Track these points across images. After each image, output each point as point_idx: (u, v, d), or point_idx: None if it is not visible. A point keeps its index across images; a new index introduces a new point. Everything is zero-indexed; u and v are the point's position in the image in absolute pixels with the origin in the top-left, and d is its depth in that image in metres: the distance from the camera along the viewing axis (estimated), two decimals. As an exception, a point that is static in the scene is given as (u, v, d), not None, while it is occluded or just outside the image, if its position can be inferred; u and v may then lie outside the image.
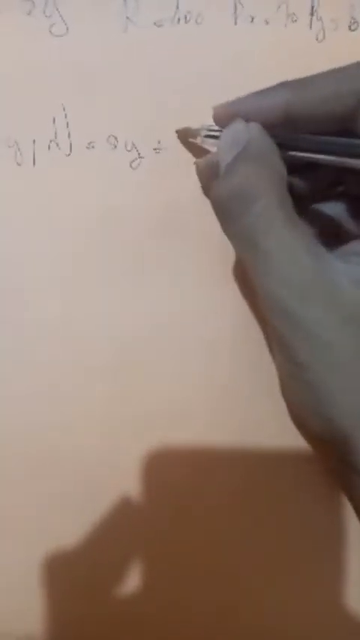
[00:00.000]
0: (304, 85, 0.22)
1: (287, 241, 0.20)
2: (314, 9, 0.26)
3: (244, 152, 0.21)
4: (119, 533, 0.27)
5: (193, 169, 0.27)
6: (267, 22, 0.26)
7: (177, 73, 0.27)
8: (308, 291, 0.20)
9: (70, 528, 0.27)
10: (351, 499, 0.23)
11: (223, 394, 0.27)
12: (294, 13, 0.26)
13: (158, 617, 0.27)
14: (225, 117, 0.23)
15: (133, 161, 0.27)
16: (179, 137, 0.26)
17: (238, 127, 0.22)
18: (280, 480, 0.27)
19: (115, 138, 0.27)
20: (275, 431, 0.27)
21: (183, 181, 0.27)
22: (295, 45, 0.26)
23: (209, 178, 0.23)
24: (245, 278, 0.27)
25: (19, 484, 0.27)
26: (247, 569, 0.27)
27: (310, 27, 0.26)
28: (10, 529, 0.27)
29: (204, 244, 0.27)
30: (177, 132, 0.26)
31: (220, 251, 0.27)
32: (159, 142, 0.27)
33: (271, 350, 0.25)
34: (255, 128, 0.22)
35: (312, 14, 0.26)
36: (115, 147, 0.27)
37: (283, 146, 0.22)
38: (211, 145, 0.24)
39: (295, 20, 0.26)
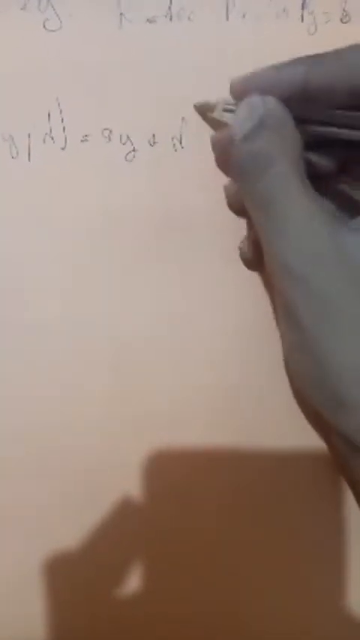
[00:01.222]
0: (324, 58, 0.22)
1: (303, 205, 0.21)
2: (305, 3, 0.26)
3: (262, 121, 0.22)
4: (120, 534, 0.27)
5: (188, 162, 0.27)
6: (259, 18, 0.27)
7: (170, 68, 0.27)
8: (321, 257, 0.20)
9: (71, 530, 0.27)
10: (351, 483, 0.23)
11: (224, 394, 0.27)
12: (285, 8, 0.27)
13: (159, 618, 0.26)
14: (242, 90, 0.23)
15: (128, 154, 0.27)
16: (197, 111, 0.26)
17: (254, 99, 0.22)
18: (280, 481, 0.27)
19: (110, 131, 0.27)
20: (276, 431, 0.27)
21: (178, 174, 0.27)
22: (287, 39, 0.27)
23: (225, 148, 0.23)
24: (246, 270, 0.27)
25: (19, 485, 0.27)
26: (248, 569, 0.27)
27: (302, 20, 0.27)
28: (10, 531, 0.27)
29: (202, 237, 0.27)
30: (195, 106, 0.26)
31: (219, 242, 0.27)
32: (153, 135, 0.27)
33: (278, 324, 0.25)
34: (271, 100, 0.22)
35: (303, 8, 0.26)
36: (110, 140, 0.27)
37: (298, 121, 0.22)
38: (228, 119, 0.24)
39: (287, 14, 0.27)
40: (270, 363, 0.26)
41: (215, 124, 0.26)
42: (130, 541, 0.27)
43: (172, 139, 0.27)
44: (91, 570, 0.26)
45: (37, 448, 0.27)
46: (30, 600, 0.26)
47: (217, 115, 0.25)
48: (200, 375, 0.27)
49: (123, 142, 0.27)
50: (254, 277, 0.27)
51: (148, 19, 0.27)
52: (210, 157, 0.27)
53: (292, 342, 0.22)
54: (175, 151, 0.27)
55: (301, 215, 0.21)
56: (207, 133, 0.27)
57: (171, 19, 0.27)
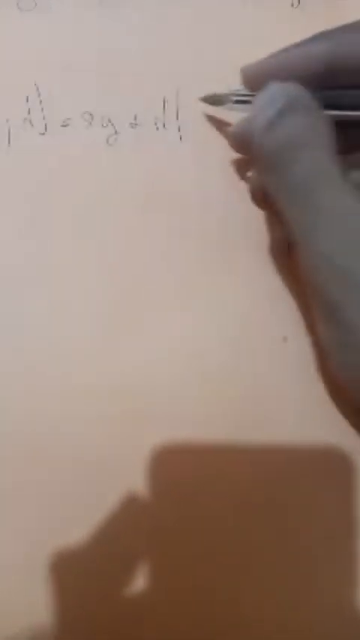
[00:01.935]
0: (349, 31, 0.21)
1: (338, 192, 0.19)
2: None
3: (287, 105, 0.20)
4: (124, 530, 0.26)
5: (171, 142, 0.26)
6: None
7: (150, 46, 0.26)
8: None
9: (75, 526, 0.26)
10: None
11: (229, 388, 0.26)
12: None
13: (163, 613, 0.26)
14: (257, 77, 0.22)
15: (110, 137, 0.26)
16: (203, 101, 0.25)
17: (274, 86, 0.21)
18: (287, 476, 0.26)
19: (90, 114, 0.26)
20: (283, 426, 0.26)
21: (161, 155, 0.26)
22: (270, 11, 0.26)
23: (245, 142, 0.22)
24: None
25: (21, 482, 0.26)
26: (254, 567, 0.26)
27: (284, -8, 0.26)
28: (13, 528, 0.26)
29: (187, 218, 0.27)
30: (202, 99, 0.25)
31: (205, 224, 0.26)
32: (135, 117, 0.26)
33: (317, 326, 0.24)
34: (292, 85, 0.21)
35: (285, -21, 0.26)
36: (91, 124, 0.26)
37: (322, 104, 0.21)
38: (242, 110, 0.23)
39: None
40: (275, 357, 0.26)
41: (225, 117, 0.25)
42: (135, 537, 0.26)
43: (155, 119, 0.26)
44: (95, 566, 0.26)
45: (41, 445, 0.26)
46: (34, 596, 0.26)
47: (227, 107, 0.24)
48: (203, 366, 0.26)
49: (104, 124, 0.26)
50: (240, 257, 0.27)
51: (127, -5, 0.26)
52: (193, 137, 0.26)
53: (338, 343, 0.21)
54: (157, 130, 0.26)
55: (338, 201, 0.19)
56: (188, 112, 0.26)
57: (150, -5, 0.26)
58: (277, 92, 0.21)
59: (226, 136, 0.24)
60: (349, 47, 0.21)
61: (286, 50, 0.22)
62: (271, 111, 0.20)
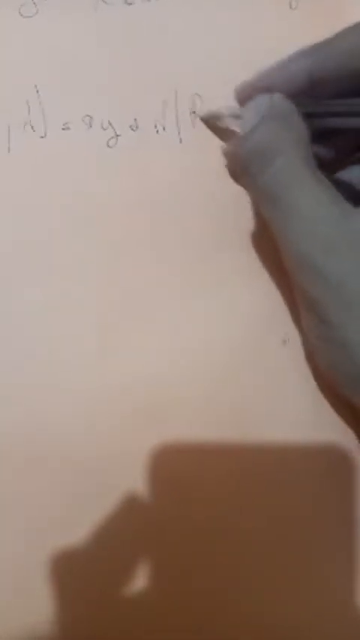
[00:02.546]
0: (325, 45, 0.22)
1: (310, 194, 0.20)
2: (286, -24, 0.26)
3: (265, 114, 0.21)
4: (124, 530, 0.26)
5: (171, 145, 0.26)
6: (240, -5, 0.26)
7: (149, 49, 0.26)
8: (334, 243, 0.20)
9: (75, 527, 0.26)
10: None
11: (229, 389, 0.26)
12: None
13: (164, 613, 0.26)
14: (248, 94, 0.23)
15: (110, 140, 0.26)
16: (203, 122, 0.25)
17: (260, 97, 0.22)
18: (288, 473, 0.26)
19: (91, 117, 0.26)
20: (283, 424, 0.26)
21: (162, 158, 0.26)
22: (269, 15, 0.26)
23: (234, 157, 0.23)
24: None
25: (21, 482, 0.26)
26: (255, 567, 0.26)
27: (283, -6, 0.26)
28: (13, 528, 0.26)
29: (187, 222, 0.27)
30: (200, 118, 0.25)
31: (204, 227, 0.26)
32: (135, 120, 0.26)
33: (302, 318, 0.24)
34: (276, 95, 0.22)
35: (284, -19, 0.26)
36: (91, 126, 0.26)
37: (307, 115, 0.22)
38: (236, 126, 0.23)
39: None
40: (275, 356, 0.26)
41: (223, 134, 0.25)
42: (135, 537, 0.26)
43: (155, 123, 0.26)
44: (95, 566, 0.26)
45: (41, 445, 0.26)
46: (34, 596, 0.26)
47: (224, 123, 0.24)
48: (202, 367, 0.26)
49: (104, 127, 0.26)
50: (240, 260, 0.27)
51: (125, 1, 0.26)
52: (193, 140, 0.26)
53: (322, 339, 0.21)
54: (157, 133, 0.26)
55: (310, 203, 0.20)
56: (188, 115, 0.26)
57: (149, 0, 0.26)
58: (260, 102, 0.22)
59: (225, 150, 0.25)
60: (327, 62, 0.22)
61: (268, 72, 0.23)
62: (254, 118, 0.22)
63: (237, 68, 0.26)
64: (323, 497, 0.26)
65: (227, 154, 0.24)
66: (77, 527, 0.26)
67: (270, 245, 0.26)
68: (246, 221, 0.26)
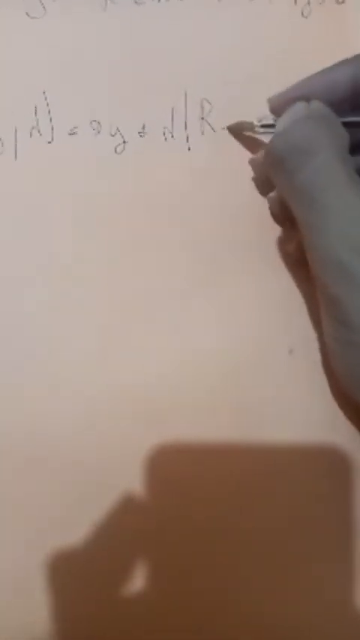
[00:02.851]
0: None
1: (347, 197, 0.20)
2: (299, -17, 0.25)
3: (304, 115, 0.21)
4: (124, 531, 0.26)
5: (179, 152, 0.26)
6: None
7: (160, 52, 0.26)
8: None
9: (74, 527, 0.26)
10: None
11: (229, 387, 0.26)
12: (278, -12, 0.25)
13: (163, 613, 0.26)
14: (284, 103, 0.23)
15: (118, 146, 0.26)
16: (230, 131, 0.26)
17: (297, 105, 0.22)
18: (287, 473, 0.26)
19: (99, 123, 0.26)
20: (283, 424, 0.26)
21: (169, 165, 0.26)
22: (281, 22, 0.26)
23: (264, 167, 0.23)
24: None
25: (20, 483, 0.26)
26: (254, 567, 0.26)
27: (295, 3, 0.25)
28: (12, 528, 0.26)
29: (194, 229, 0.26)
30: (228, 128, 0.26)
31: (212, 233, 0.26)
32: (143, 126, 0.26)
33: (323, 320, 0.24)
34: (315, 101, 0.22)
35: (296, -11, 0.25)
36: (99, 132, 0.26)
37: (346, 125, 0.22)
38: (266, 137, 0.24)
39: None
40: (275, 355, 0.26)
41: (252, 144, 0.25)
42: (134, 537, 0.26)
43: (163, 129, 0.26)
44: (95, 567, 0.26)
45: (39, 445, 0.26)
46: (32, 597, 0.26)
47: (254, 133, 0.24)
48: (203, 367, 0.26)
49: (112, 133, 0.26)
50: (247, 268, 0.27)
51: (135, 1, 0.26)
52: (201, 147, 0.26)
53: (342, 342, 0.22)
54: (166, 141, 0.26)
55: (346, 203, 0.20)
56: (196, 122, 0.26)
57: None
58: (299, 107, 0.22)
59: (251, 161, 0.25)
60: None
61: (309, 79, 0.23)
62: (291, 119, 0.22)
63: (247, 74, 0.26)
64: (323, 497, 0.26)
65: (255, 164, 0.24)
66: (77, 527, 0.26)
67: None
68: (255, 229, 0.26)
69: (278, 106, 0.23)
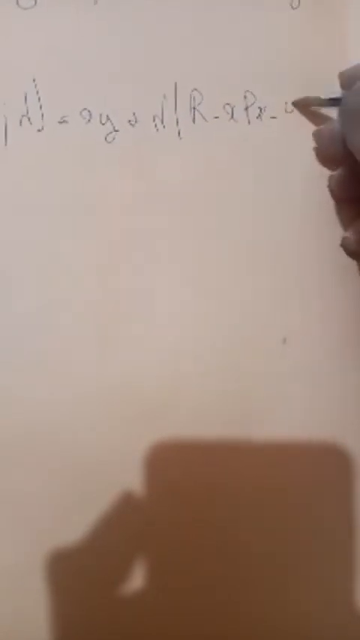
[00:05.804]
0: None
1: None
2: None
3: None
4: (123, 530, 0.26)
5: (170, 141, 0.26)
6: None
7: (149, 42, 0.26)
8: None
9: (73, 527, 0.26)
10: None
11: (229, 385, 0.26)
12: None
13: (161, 613, 0.26)
14: (355, 76, 0.23)
15: (108, 135, 0.26)
16: (296, 107, 0.26)
17: None
18: (285, 473, 0.26)
19: (89, 111, 0.26)
20: (283, 423, 0.26)
21: (160, 153, 0.26)
22: (270, 13, 0.26)
23: (331, 139, 0.23)
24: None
25: (19, 483, 0.26)
26: (254, 566, 0.26)
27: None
28: (11, 528, 0.26)
29: (186, 219, 0.26)
30: (294, 103, 0.26)
31: (204, 223, 0.26)
32: (134, 114, 0.26)
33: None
34: None
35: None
36: (89, 121, 0.26)
37: None
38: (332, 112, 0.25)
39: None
40: (275, 357, 0.26)
41: (317, 118, 0.26)
42: (133, 537, 0.26)
43: (154, 117, 0.26)
44: (94, 566, 0.26)
45: (39, 443, 0.26)
46: (31, 597, 0.26)
47: (321, 107, 0.25)
48: (202, 366, 0.26)
49: (103, 122, 0.26)
50: (240, 258, 0.26)
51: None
52: (192, 135, 0.26)
53: None
54: (157, 130, 0.26)
55: None
56: (187, 110, 0.26)
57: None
58: None
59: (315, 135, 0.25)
60: None
61: None
62: None
63: (237, 64, 0.26)
64: (323, 497, 0.26)
65: (321, 135, 0.25)
66: (76, 527, 0.26)
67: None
68: (247, 218, 0.26)
69: (348, 80, 0.23)
